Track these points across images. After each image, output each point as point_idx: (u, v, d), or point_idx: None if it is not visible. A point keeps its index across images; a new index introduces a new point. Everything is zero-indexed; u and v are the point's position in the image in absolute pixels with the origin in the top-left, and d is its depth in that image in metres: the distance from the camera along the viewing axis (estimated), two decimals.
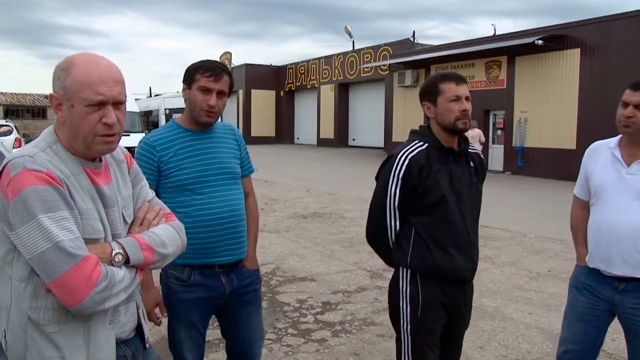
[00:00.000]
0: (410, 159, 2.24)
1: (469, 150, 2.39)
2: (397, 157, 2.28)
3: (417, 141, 2.32)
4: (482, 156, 2.48)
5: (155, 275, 2.30)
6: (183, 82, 2.30)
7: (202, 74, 2.22)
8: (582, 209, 2.64)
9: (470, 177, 2.36)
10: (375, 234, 2.39)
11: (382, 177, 2.33)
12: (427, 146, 2.29)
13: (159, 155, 2.25)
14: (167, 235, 1.61)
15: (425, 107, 2.35)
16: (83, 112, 1.42)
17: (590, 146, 2.63)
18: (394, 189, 2.25)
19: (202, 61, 2.28)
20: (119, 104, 1.48)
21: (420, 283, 2.26)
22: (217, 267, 2.32)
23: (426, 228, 2.25)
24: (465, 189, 2.31)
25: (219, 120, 2.45)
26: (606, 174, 2.45)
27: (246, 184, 2.49)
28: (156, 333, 4.04)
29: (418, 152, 2.27)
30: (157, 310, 2.31)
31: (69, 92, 1.43)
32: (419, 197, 2.24)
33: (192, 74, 2.26)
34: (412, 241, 2.26)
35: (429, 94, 2.33)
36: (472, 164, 2.38)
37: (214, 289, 2.32)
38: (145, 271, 2.19)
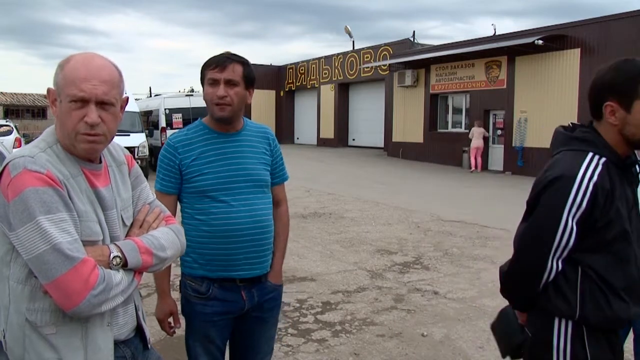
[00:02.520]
0: (596, 185, 1.64)
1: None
2: (576, 180, 1.65)
3: (591, 154, 1.70)
4: None
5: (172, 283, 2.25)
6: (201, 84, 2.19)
7: (207, 68, 2.11)
8: None
9: (635, 195, 1.78)
10: (526, 275, 1.78)
11: (550, 204, 1.69)
12: (605, 162, 1.69)
13: (180, 158, 2.12)
14: (167, 238, 1.60)
15: (607, 109, 1.69)
16: (67, 107, 1.43)
17: None
18: (570, 223, 1.66)
19: (212, 56, 2.15)
20: (104, 104, 1.45)
21: (587, 340, 1.72)
22: (238, 281, 2.16)
23: (600, 270, 1.69)
24: (636, 214, 1.78)
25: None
26: None
27: (278, 192, 2.32)
28: (156, 334, 4.04)
29: (601, 172, 1.67)
30: (170, 319, 2.22)
31: (60, 88, 1.44)
32: (595, 232, 1.68)
33: (202, 72, 2.14)
34: (581, 287, 1.70)
35: (619, 92, 1.67)
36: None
37: (233, 304, 2.17)
38: (162, 279, 2.19)
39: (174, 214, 2.18)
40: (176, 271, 2.28)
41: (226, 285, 2.16)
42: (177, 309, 2.23)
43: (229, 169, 2.14)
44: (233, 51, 2.20)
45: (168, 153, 2.15)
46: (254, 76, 2.19)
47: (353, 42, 27.59)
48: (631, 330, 2.54)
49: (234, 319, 2.23)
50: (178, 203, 2.23)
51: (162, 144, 17.91)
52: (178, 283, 2.30)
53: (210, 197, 2.11)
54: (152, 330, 3.96)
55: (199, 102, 18.03)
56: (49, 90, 1.48)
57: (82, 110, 1.42)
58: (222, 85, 2.07)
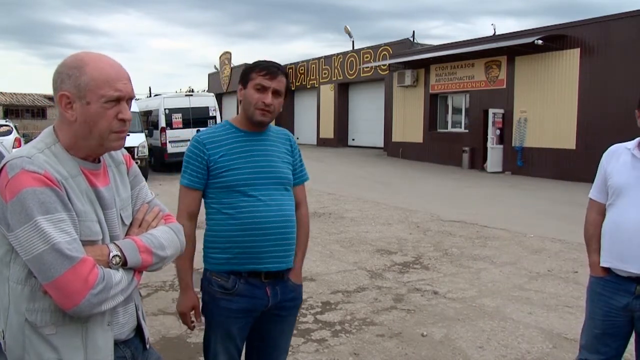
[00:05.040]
0: None
1: None
2: None
3: None
4: None
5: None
6: (239, 82, 2.27)
7: (258, 73, 2.19)
8: (599, 214, 2.58)
9: None
10: None
11: None
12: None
13: (209, 154, 2.20)
14: (166, 237, 1.60)
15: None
16: (101, 108, 1.46)
17: (609, 149, 2.61)
18: None
19: (259, 61, 2.25)
20: (130, 100, 1.53)
21: None
22: (264, 276, 2.21)
23: None
24: None
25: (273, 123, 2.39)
26: (627, 173, 2.44)
27: (298, 193, 2.39)
28: (156, 333, 4.04)
29: None
30: (192, 313, 2.26)
31: (84, 89, 1.44)
32: None
33: (248, 72, 2.23)
34: None
35: None
36: None
37: (258, 301, 2.22)
38: (185, 272, 2.23)
39: (199, 209, 2.27)
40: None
41: (252, 281, 2.21)
42: (199, 303, 2.27)
43: (255, 166, 2.23)
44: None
45: (196, 149, 2.22)
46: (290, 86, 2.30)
47: (353, 42, 27.60)
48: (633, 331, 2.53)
49: (254, 319, 2.27)
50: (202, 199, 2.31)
51: (162, 144, 17.89)
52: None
53: (239, 192, 2.19)
54: (152, 330, 3.95)
55: (198, 102, 18.04)
56: (62, 94, 1.46)
57: (115, 109, 1.48)
58: (270, 94, 2.19)
